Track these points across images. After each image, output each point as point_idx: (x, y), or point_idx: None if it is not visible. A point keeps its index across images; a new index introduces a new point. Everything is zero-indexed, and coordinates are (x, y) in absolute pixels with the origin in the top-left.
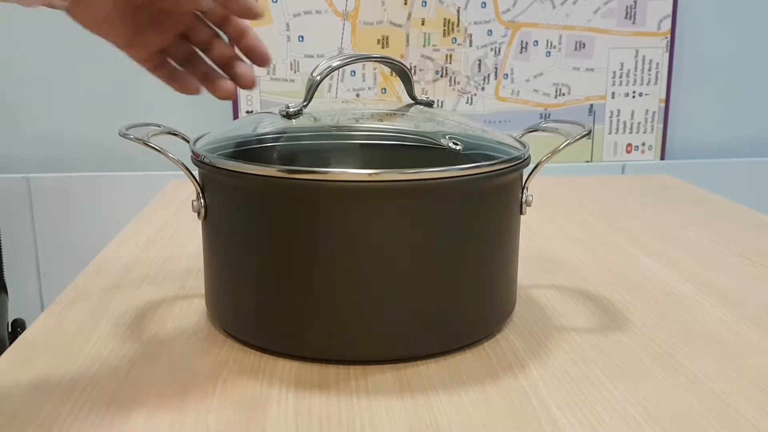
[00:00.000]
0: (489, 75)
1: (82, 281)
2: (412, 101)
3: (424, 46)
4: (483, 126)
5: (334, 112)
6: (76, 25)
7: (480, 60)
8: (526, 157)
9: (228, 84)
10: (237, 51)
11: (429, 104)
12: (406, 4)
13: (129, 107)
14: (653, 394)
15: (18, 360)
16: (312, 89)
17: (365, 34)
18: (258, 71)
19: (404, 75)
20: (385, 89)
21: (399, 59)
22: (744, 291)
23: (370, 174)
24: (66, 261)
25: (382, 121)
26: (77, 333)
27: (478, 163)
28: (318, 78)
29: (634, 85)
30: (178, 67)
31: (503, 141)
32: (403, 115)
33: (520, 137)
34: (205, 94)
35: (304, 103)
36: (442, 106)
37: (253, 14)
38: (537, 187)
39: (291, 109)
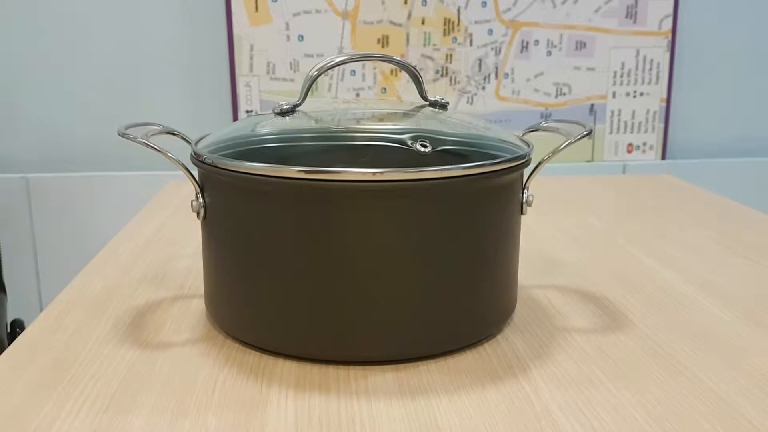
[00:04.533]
0: (489, 74)
1: (81, 281)
2: (425, 102)
3: (424, 45)
4: (486, 124)
5: (334, 112)
6: (76, 25)
7: (480, 59)
8: (527, 156)
9: None
10: None
11: (444, 106)
12: (406, 3)
13: (129, 107)
14: (654, 395)
15: (17, 360)
16: (306, 86)
17: (365, 33)
18: (258, 70)
19: (413, 76)
20: (385, 89)
21: (401, 58)
22: (745, 291)
23: (374, 173)
24: (65, 261)
25: (382, 120)
26: (76, 333)
27: (479, 163)
28: (312, 75)
29: (635, 84)
30: None
31: (505, 139)
32: (407, 115)
33: (521, 136)
34: (203, 94)
35: (298, 101)
36: None
37: None
38: (538, 187)
39: (284, 107)
